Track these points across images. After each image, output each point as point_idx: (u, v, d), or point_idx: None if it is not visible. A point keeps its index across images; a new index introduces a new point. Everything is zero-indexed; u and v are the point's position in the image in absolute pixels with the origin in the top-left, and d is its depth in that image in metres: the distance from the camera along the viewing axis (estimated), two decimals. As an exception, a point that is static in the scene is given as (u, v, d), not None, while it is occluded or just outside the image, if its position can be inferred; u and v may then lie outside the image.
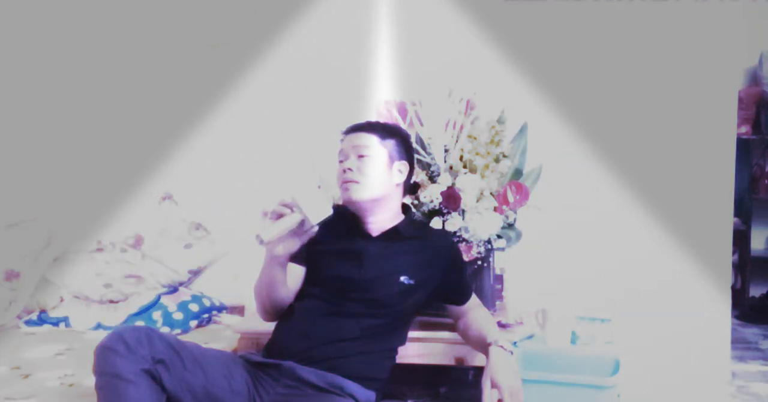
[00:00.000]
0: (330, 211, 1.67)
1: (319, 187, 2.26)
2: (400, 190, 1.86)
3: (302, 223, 1.63)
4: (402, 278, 1.75)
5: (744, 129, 3.94)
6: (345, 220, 1.83)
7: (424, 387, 2.35)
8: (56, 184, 2.85)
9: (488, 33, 2.56)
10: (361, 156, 1.77)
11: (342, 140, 1.85)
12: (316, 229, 1.66)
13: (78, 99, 2.90)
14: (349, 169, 1.76)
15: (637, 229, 2.52)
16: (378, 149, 1.79)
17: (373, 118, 2.05)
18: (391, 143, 1.81)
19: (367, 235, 1.81)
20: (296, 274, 1.79)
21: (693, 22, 2.50)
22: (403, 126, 2.08)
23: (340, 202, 1.84)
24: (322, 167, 2.29)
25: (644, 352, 2.39)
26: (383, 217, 1.81)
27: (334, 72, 2.64)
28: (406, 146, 1.85)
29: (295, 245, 1.66)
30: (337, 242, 1.79)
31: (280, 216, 1.62)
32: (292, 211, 1.62)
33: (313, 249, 1.78)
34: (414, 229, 1.86)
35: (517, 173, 2.14)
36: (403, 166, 1.83)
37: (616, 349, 2.00)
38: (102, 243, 2.72)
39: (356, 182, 1.75)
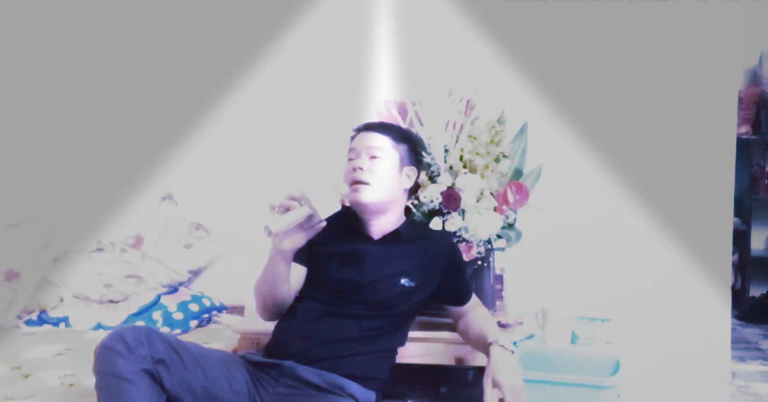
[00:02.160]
0: (338, 207, 1.65)
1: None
2: (406, 195, 1.85)
3: (310, 217, 1.62)
4: (402, 280, 1.75)
5: (744, 129, 3.94)
6: (347, 221, 1.83)
7: (424, 387, 2.34)
8: (56, 184, 2.85)
9: (488, 33, 2.56)
10: (373, 157, 1.75)
11: (353, 137, 1.82)
12: (324, 224, 1.65)
13: (78, 99, 2.89)
14: (360, 168, 1.74)
15: (637, 229, 2.52)
16: (390, 152, 1.77)
17: (372, 118, 2.04)
18: (403, 147, 1.80)
19: (368, 238, 1.80)
20: (298, 273, 1.78)
21: (693, 22, 2.50)
22: (403, 126, 2.08)
23: (346, 202, 1.83)
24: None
25: (644, 352, 2.39)
26: (387, 220, 1.80)
27: (334, 72, 2.64)
28: (416, 151, 1.84)
29: (301, 239, 1.65)
30: (338, 244, 1.78)
31: (287, 209, 1.61)
32: (300, 204, 1.61)
33: (315, 250, 1.78)
34: (414, 230, 1.86)
35: (517, 173, 2.14)
36: (411, 171, 1.82)
37: (616, 349, 2.00)
38: (102, 243, 2.72)
39: (366, 184, 1.73)
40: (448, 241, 1.92)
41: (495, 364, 1.63)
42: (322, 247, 1.78)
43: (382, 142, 1.77)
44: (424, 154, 2.07)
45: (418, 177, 1.85)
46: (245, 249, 2.64)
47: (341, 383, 1.63)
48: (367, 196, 1.74)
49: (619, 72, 2.54)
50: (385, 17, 2.65)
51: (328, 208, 1.70)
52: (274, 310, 1.76)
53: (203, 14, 2.83)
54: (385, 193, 1.76)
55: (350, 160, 1.79)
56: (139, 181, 2.83)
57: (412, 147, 1.83)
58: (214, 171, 2.80)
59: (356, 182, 1.74)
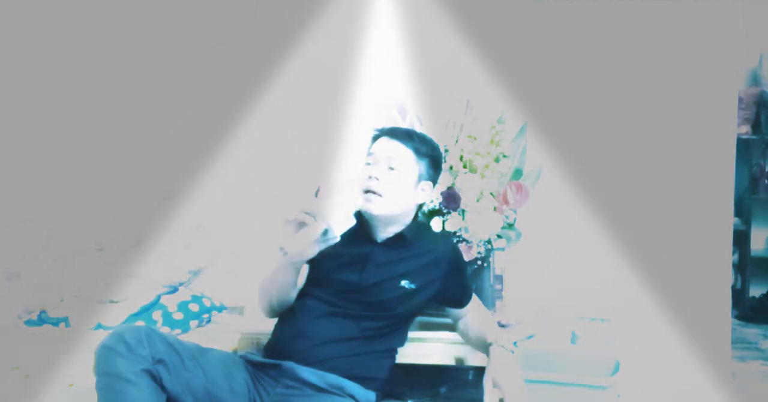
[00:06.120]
0: (353, 221, 1.63)
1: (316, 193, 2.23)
2: (417, 207, 1.83)
3: (326, 232, 1.61)
4: (403, 282, 1.74)
5: (744, 129, 3.94)
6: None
7: (424, 387, 2.34)
8: (56, 184, 2.85)
9: (488, 33, 2.56)
10: (392, 168, 1.72)
11: (375, 138, 1.79)
12: (338, 239, 1.63)
13: (78, 99, 2.89)
14: (376, 177, 1.71)
15: (636, 228, 2.52)
16: (411, 166, 1.74)
17: (372, 119, 2.04)
18: (424, 162, 1.76)
19: (372, 240, 1.78)
20: (302, 270, 1.78)
21: (693, 22, 2.50)
22: (403, 126, 2.07)
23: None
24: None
25: (644, 352, 2.39)
26: (394, 229, 1.78)
27: (335, 72, 2.64)
28: (436, 167, 1.81)
29: (314, 251, 1.64)
30: (342, 245, 1.75)
31: (301, 223, 1.60)
32: (315, 220, 1.59)
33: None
34: (417, 232, 1.84)
35: (517, 173, 2.14)
36: (427, 186, 1.79)
37: (616, 349, 2.00)
38: (102, 243, 2.72)
39: (379, 195, 1.70)
40: (450, 244, 1.90)
41: (495, 364, 1.63)
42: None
43: (404, 155, 1.73)
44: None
45: (432, 191, 1.83)
46: (245, 249, 2.65)
47: (341, 384, 1.63)
48: (378, 208, 1.71)
49: (619, 72, 2.53)
50: (385, 17, 2.65)
51: (347, 220, 1.66)
52: (278, 309, 1.77)
53: (202, 16, 2.83)
54: (397, 207, 1.73)
55: (368, 164, 1.75)
56: (139, 181, 2.83)
57: (433, 162, 1.79)
58: (214, 171, 2.80)
59: (369, 191, 1.71)
